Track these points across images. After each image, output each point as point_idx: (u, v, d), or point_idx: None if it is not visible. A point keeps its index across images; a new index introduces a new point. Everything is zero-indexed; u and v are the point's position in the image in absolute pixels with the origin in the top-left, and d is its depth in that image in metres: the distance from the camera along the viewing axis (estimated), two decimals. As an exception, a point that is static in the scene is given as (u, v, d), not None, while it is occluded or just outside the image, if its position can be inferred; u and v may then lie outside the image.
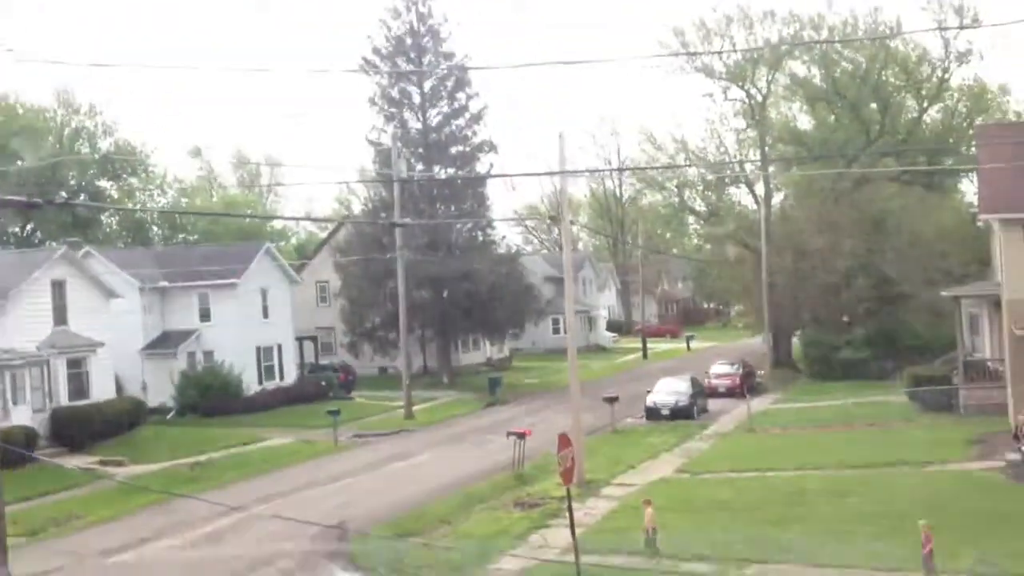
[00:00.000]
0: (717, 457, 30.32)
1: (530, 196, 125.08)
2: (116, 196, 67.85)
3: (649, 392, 40.31)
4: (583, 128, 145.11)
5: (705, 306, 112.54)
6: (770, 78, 58.54)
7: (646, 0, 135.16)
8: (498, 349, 66.26)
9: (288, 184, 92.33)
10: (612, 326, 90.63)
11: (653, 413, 38.86)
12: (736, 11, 56.79)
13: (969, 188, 58.75)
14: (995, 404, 31.64)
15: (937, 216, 51.13)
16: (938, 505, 21.29)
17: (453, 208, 56.29)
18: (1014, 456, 25.17)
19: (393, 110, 56.43)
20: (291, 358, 50.93)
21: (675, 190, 62.04)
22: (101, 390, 37.74)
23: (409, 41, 55.73)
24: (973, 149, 47.51)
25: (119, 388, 40.44)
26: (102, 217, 66.26)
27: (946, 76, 55.58)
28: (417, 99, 56.62)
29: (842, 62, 57.78)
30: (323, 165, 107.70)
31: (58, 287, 37.27)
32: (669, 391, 39.98)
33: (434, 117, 56.59)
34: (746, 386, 43.92)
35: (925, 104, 57.43)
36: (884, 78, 56.79)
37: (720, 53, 56.50)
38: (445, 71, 55.61)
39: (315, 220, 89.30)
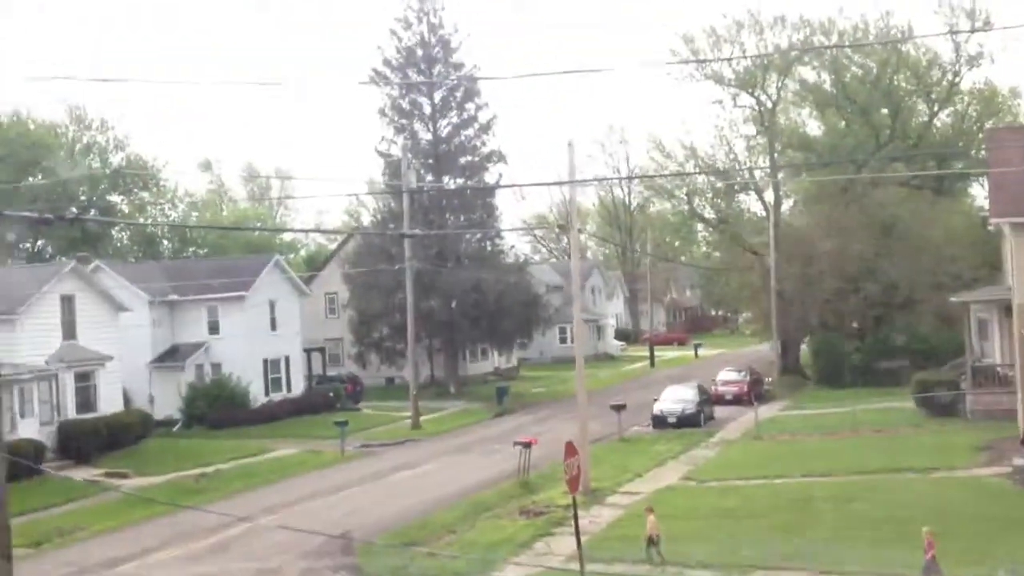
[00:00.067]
0: (723, 465, 30.18)
1: (539, 205, 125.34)
2: (127, 210, 68.27)
3: (656, 400, 40.19)
4: (592, 136, 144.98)
5: (713, 314, 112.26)
6: (780, 84, 58.47)
7: (656, 5, 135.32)
8: (506, 359, 66.18)
9: (298, 197, 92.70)
10: (620, 334, 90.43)
11: (660, 421, 38.72)
12: (746, 17, 56.91)
13: (979, 192, 58.60)
14: (1004, 409, 31.34)
15: (947, 220, 50.88)
16: (945, 511, 21.14)
17: (462, 218, 56.34)
18: (1022, 462, 24.93)
19: (403, 121, 56.51)
20: (299, 369, 51.00)
21: (684, 198, 61.94)
22: (108, 403, 37.87)
23: (420, 52, 55.77)
24: (983, 153, 47.27)
25: (127, 401, 40.64)
26: (112, 232, 66.63)
27: (957, 80, 55.50)
28: (427, 110, 56.72)
29: (852, 67, 57.73)
30: (333, 177, 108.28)
31: (67, 301, 37.47)
32: (676, 399, 39.84)
33: (444, 128, 56.65)
34: (753, 393, 43.71)
35: (935, 108, 57.30)
36: (895, 82, 56.69)
37: (730, 60, 56.56)
38: (455, 82, 55.67)
39: (324, 232, 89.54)
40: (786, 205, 61.87)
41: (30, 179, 58.35)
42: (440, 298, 53.63)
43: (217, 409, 43.74)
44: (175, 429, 43.39)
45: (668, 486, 27.15)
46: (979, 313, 36.59)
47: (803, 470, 27.40)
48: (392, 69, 56.39)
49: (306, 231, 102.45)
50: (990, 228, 35.98)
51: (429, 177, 56.12)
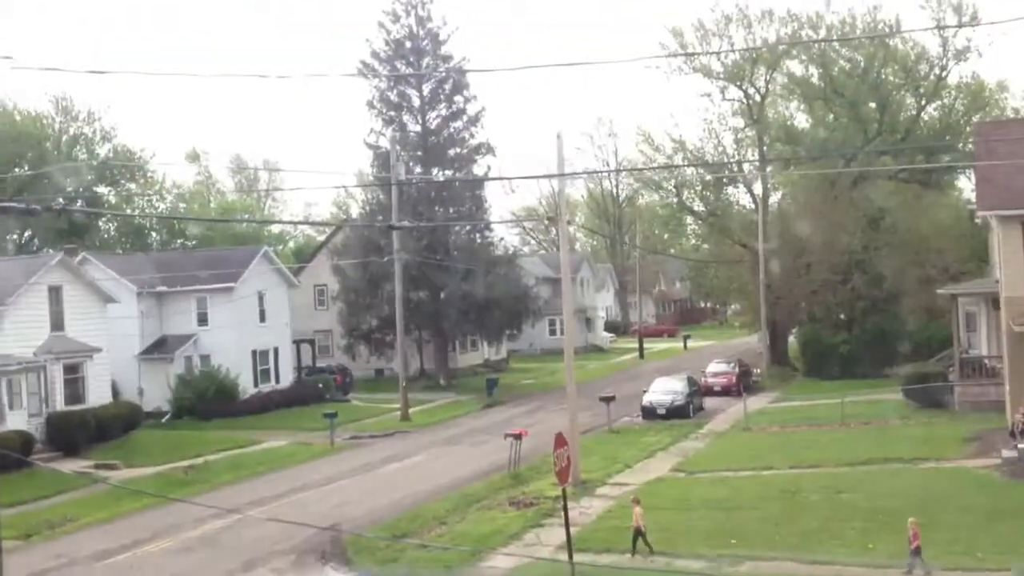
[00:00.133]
0: (713, 456, 30.30)
1: (528, 198, 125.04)
2: (114, 201, 67.95)
3: (645, 392, 40.29)
4: (581, 129, 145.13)
5: (702, 306, 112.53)
6: (768, 78, 58.53)
7: (648, 1, 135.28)
8: (495, 350, 66.24)
9: (286, 188, 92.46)
10: (610, 326, 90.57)
11: (649, 412, 38.83)
12: (734, 11, 56.97)
13: (967, 185, 58.73)
14: (990, 401, 31.60)
15: (934, 214, 51.09)
16: (933, 502, 21.30)
17: (451, 210, 56.25)
18: (1010, 453, 25.13)
19: (392, 113, 56.38)
20: (288, 361, 50.93)
21: (673, 190, 61.94)
22: (97, 395, 37.78)
23: (408, 44, 55.65)
24: (971, 146, 47.49)
25: (115, 393, 40.48)
26: (100, 223, 66.32)
27: (944, 74, 55.67)
28: (416, 102, 56.56)
29: (840, 61, 57.80)
30: (321, 169, 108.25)
31: (55, 293, 37.28)
32: (665, 390, 39.97)
33: (433, 120, 56.54)
34: (742, 385, 43.87)
35: (923, 102, 57.43)
36: (882, 76, 56.80)
37: (718, 53, 56.56)
38: (444, 74, 55.57)
39: (313, 224, 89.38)
40: (775, 198, 62.06)
41: (16, 170, 57.96)
42: (429, 290, 53.62)
43: (206, 401, 43.64)
44: (164, 421, 43.30)
45: (658, 477, 27.25)
46: (967, 306, 36.80)
47: (792, 461, 27.53)
48: (380, 61, 56.21)
49: (295, 223, 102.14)
50: (977, 221, 36.16)
51: (418, 169, 55.95)
